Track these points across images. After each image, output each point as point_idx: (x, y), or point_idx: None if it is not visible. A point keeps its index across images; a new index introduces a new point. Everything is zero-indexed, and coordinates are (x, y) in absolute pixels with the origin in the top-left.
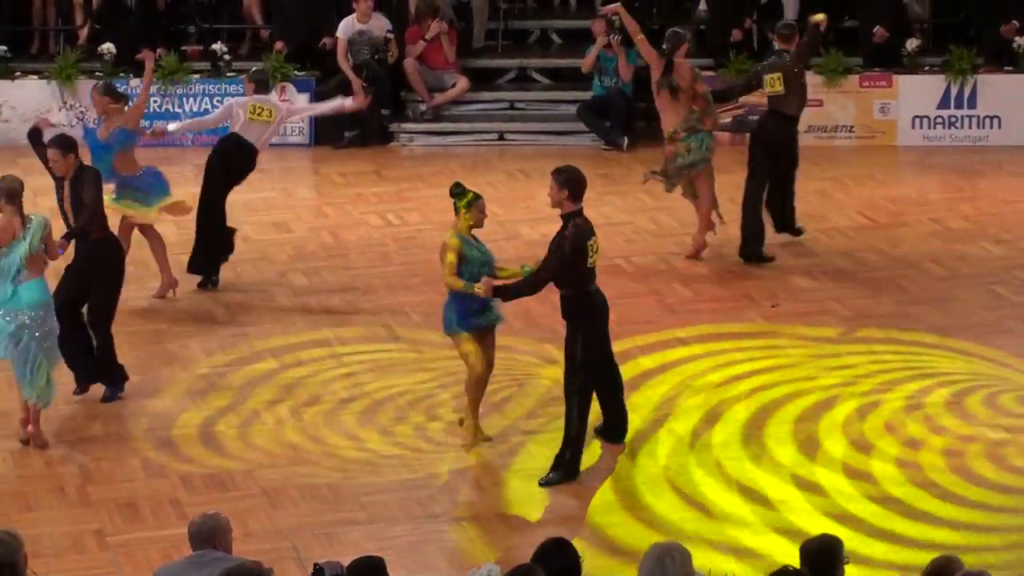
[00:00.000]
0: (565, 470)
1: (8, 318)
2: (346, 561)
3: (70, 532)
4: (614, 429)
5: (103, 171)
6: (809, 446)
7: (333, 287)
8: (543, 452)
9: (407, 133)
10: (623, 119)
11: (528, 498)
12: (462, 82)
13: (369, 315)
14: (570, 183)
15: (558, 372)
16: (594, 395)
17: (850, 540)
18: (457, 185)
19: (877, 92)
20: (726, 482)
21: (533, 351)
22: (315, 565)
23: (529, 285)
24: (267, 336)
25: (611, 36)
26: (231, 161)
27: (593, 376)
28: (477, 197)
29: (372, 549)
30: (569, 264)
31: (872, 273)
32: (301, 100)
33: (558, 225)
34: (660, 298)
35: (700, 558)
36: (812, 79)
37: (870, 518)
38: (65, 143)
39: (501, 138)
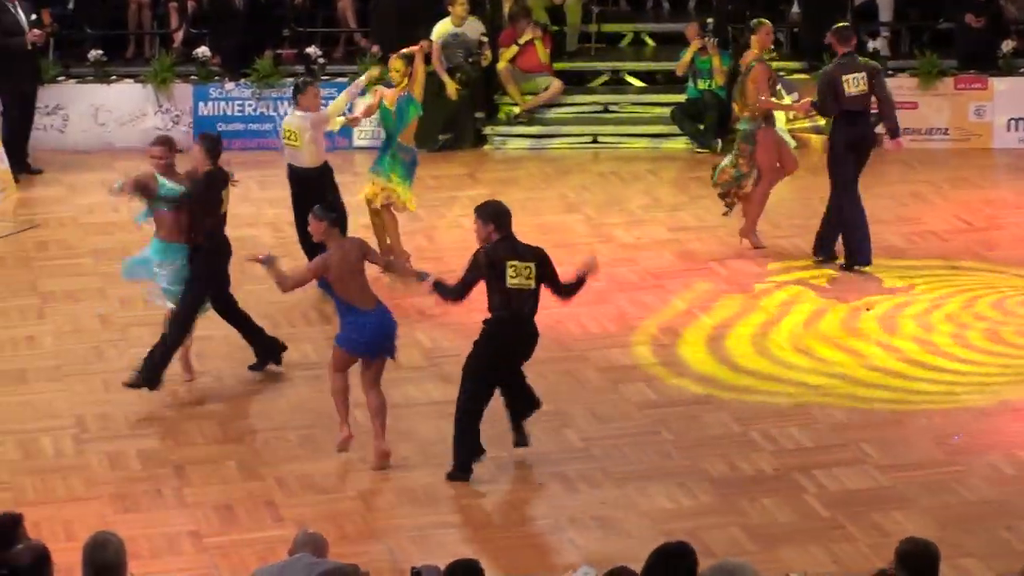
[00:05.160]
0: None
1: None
2: (442, 564)
3: (167, 533)
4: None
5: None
6: None
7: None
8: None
9: (500, 136)
10: (717, 122)
11: (617, 501)
12: (555, 85)
13: (463, 318)
14: (494, 216)
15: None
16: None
17: None
18: None
19: (972, 94)
20: None
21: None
22: (412, 569)
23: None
24: None
25: (705, 39)
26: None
27: (471, 399)
28: None
29: (467, 552)
30: (475, 282)
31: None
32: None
33: (652, 227)
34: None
35: None
36: (907, 81)
37: None
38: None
39: (594, 141)
